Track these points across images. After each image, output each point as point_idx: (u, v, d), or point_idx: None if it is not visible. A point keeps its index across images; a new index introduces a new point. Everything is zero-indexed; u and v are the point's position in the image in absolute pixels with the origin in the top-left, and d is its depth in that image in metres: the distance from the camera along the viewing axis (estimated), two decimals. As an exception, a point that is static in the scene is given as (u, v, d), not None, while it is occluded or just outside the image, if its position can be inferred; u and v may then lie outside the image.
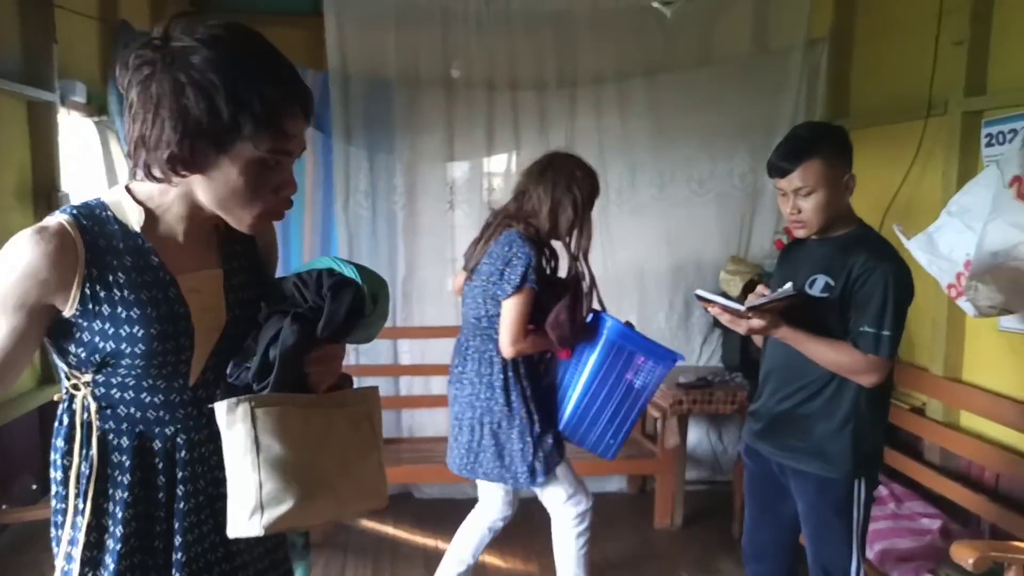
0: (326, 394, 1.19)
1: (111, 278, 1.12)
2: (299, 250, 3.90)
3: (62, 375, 1.18)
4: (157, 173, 1.08)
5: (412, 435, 4.01)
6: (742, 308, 1.99)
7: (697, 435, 4.06)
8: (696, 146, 3.90)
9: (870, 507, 2.07)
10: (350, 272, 1.20)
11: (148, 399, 1.16)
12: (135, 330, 1.12)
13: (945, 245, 2.63)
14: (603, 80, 3.83)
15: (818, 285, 2.04)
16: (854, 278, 1.96)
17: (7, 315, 1.09)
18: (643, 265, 3.95)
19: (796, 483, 2.10)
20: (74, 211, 1.13)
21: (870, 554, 2.55)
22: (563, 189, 2.44)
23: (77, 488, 1.15)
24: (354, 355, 3.83)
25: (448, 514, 3.25)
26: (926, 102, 3.04)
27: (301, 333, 1.12)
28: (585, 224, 2.48)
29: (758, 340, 2.26)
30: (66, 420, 1.18)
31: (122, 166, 3.17)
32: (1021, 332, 2.71)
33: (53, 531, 1.20)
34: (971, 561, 2.04)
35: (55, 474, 1.19)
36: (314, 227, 3.89)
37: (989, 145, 2.77)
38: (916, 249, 2.70)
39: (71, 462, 1.16)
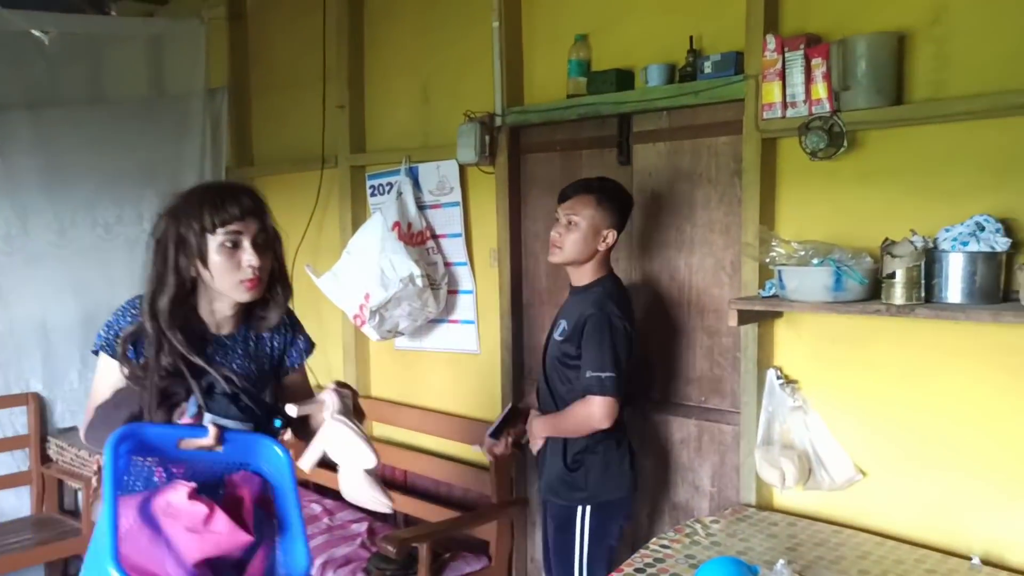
0: None
1: None
2: None
3: None
4: None
5: None
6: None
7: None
8: (97, 189, 3.62)
9: (600, 532, 2.22)
10: None
11: None
12: None
13: (348, 281, 3.02)
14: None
15: (558, 329, 2.25)
16: (580, 325, 2.15)
17: None
18: (45, 320, 3.51)
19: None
20: None
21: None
22: None
23: None
24: None
25: None
26: (320, 155, 3.44)
27: None
28: None
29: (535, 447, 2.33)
30: None
31: None
32: (411, 350, 3.28)
33: None
34: (394, 549, 2.39)
35: None
36: None
37: (373, 195, 3.28)
38: (324, 286, 3.04)
39: None
